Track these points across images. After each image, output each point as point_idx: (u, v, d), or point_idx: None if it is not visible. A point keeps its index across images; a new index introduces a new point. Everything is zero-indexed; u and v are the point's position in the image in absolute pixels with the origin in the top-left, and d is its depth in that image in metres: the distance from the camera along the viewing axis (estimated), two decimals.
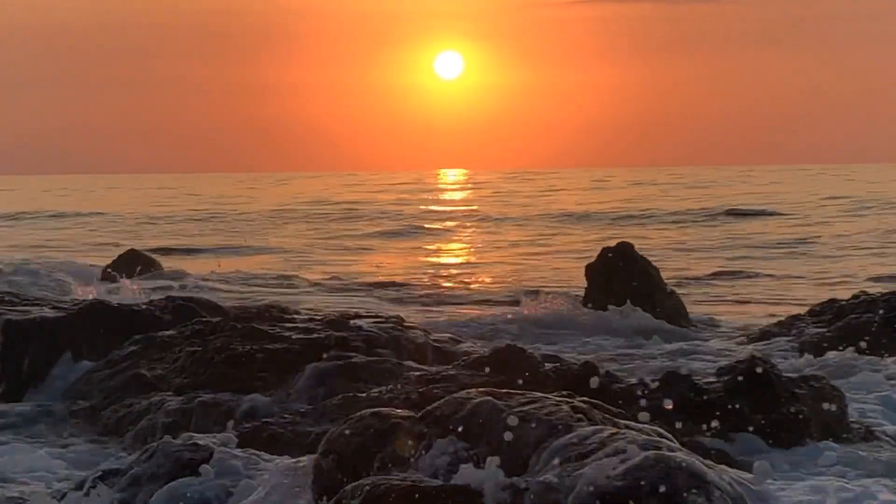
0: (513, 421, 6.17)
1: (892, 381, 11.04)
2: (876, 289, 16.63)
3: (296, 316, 11.85)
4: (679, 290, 18.35)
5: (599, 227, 43.87)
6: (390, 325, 11.43)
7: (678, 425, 8.08)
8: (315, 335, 10.76)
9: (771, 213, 46.68)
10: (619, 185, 77.04)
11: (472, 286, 24.54)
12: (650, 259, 17.74)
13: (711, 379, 9.01)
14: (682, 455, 5.84)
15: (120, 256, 24.57)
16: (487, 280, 25.92)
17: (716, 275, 25.79)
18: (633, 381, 9.05)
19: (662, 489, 5.54)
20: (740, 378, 8.68)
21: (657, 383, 8.74)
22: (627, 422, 6.60)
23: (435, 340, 11.62)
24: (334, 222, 48.76)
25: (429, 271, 28.85)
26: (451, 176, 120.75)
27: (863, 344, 12.78)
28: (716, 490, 5.70)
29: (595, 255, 17.55)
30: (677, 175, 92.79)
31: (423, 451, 6.26)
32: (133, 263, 23.90)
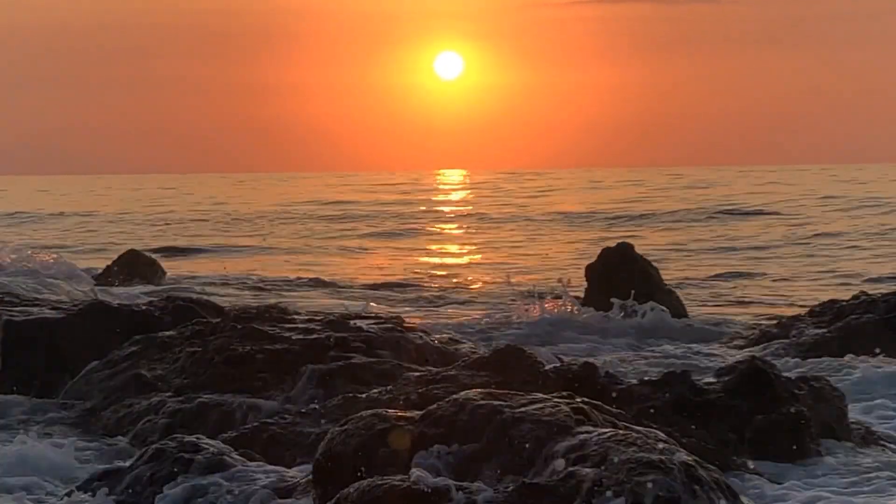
0: (513, 422, 6.17)
1: (893, 382, 11.04)
2: (876, 289, 16.62)
3: (296, 316, 11.84)
4: (679, 291, 18.35)
5: (599, 227, 43.87)
6: (390, 325, 11.43)
7: (678, 426, 8.09)
8: (315, 336, 10.75)
9: (770, 213, 46.68)
10: (618, 185, 77.03)
11: (471, 286, 24.54)
12: (650, 259, 17.75)
13: (711, 379, 9.01)
14: (682, 457, 5.84)
15: (120, 257, 24.56)
16: (487, 280, 25.92)
17: (716, 275, 25.79)
18: (633, 381, 9.05)
19: (662, 491, 5.54)
20: (740, 378, 8.68)
21: (657, 384, 8.74)
22: (627, 423, 6.61)
23: (435, 341, 11.61)
24: (334, 223, 48.73)
25: (428, 272, 28.85)
26: (451, 176, 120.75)
27: (863, 344, 12.79)
28: (715, 492, 5.71)
29: (595, 255, 17.57)
30: (677, 175, 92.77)
31: (423, 452, 6.26)
32: (133, 264, 23.90)
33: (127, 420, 10.09)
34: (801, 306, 18.03)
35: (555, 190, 73.67)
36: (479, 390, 6.63)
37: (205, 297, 14.29)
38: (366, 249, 36.85)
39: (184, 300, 12.86)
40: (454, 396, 6.54)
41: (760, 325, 16.04)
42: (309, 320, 11.54)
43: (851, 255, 30.73)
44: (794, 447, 8.31)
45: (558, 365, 9.24)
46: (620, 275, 16.83)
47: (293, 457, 8.13)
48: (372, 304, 20.68)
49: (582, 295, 17.47)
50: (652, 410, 8.29)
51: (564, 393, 6.68)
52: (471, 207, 57.90)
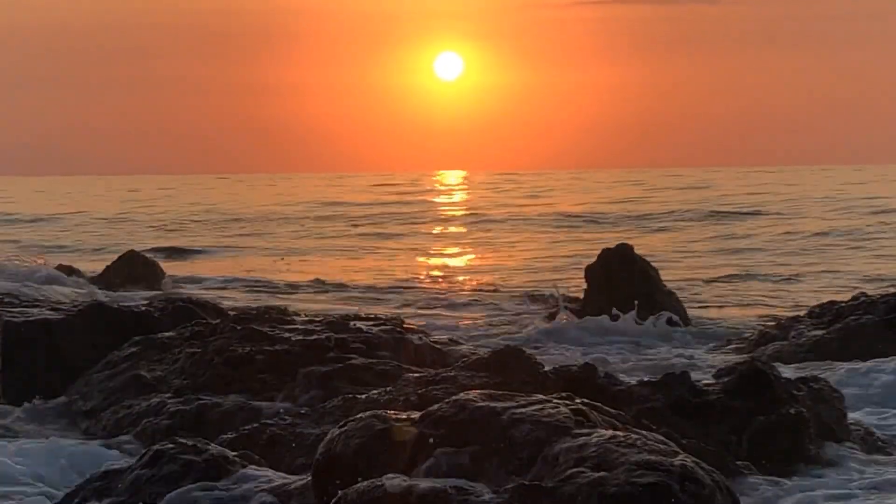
0: (512, 423, 6.17)
1: (892, 383, 11.04)
2: (875, 290, 16.64)
3: (295, 318, 11.85)
4: (678, 292, 18.36)
5: (598, 228, 43.88)
6: (389, 326, 11.44)
7: (677, 427, 8.10)
8: (314, 337, 10.76)
9: (770, 214, 46.69)
10: (618, 186, 77.03)
11: (471, 287, 24.55)
12: (649, 260, 17.76)
13: (710, 380, 9.02)
14: (681, 458, 5.85)
15: (119, 258, 24.58)
16: (486, 281, 25.93)
17: (715, 276, 25.80)
18: (633, 382, 9.06)
19: (662, 493, 5.54)
20: (739, 379, 8.68)
21: (656, 385, 8.75)
22: (627, 424, 6.61)
23: (434, 342, 11.63)
24: (332, 223, 48.74)
25: (428, 273, 28.87)
26: (451, 177, 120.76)
27: (862, 345, 12.80)
28: (714, 493, 5.71)
29: (594, 256, 17.58)
30: (677, 176, 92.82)
31: (423, 453, 6.27)
32: (132, 265, 23.90)
33: (126, 421, 10.10)
34: (800, 307, 18.04)
35: (554, 191, 73.69)
36: (479, 391, 6.63)
37: (204, 299, 14.30)
38: (365, 250, 36.85)
39: (183, 301, 12.87)
40: (454, 397, 6.54)
41: (760, 326, 16.05)
42: (308, 321, 11.55)
43: (851, 255, 30.73)
44: (794, 448, 8.32)
45: (558, 366, 9.26)
46: (620, 276, 16.85)
47: (293, 458, 8.13)
48: (371, 305, 20.71)
49: (581, 296, 17.49)
50: (651, 411, 8.30)
51: (564, 394, 6.68)
52: (470, 209, 57.89)
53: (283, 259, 32.99)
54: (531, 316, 18.16)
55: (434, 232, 44.92)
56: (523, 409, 6.32)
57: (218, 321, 11.52)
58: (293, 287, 24.60)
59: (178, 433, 8.41)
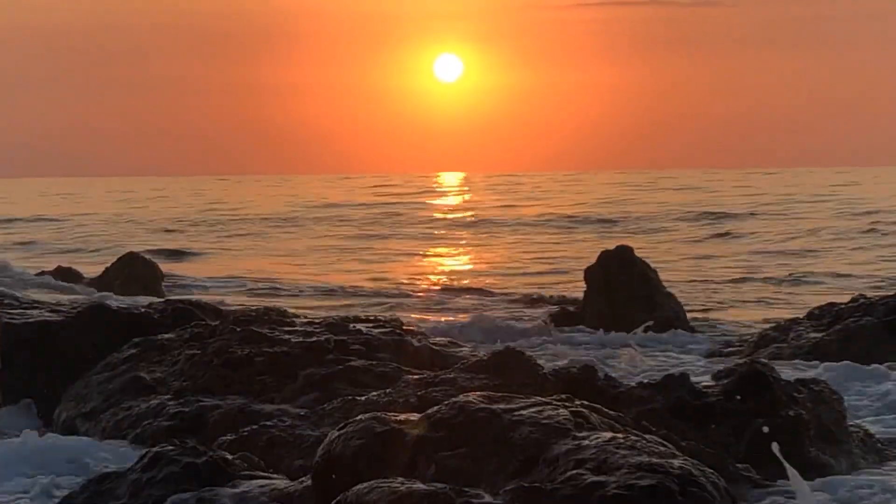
0: (512, 425, 6.17)
1: (892, 385, 11.04)
2: (875, 292, 16.64)
3: (295, 319, 11.84)
4: (677, 293, 18.36)
5: (598, 230, 43.88)
6: (389, 328, 11.44)
7: (677, 429, 8.09)
8: (314, 338, 10.75)
9: (770, 215, 46.70)
10: (617, 187, 77.04)
11: (470, 289, 24.55)
12: (648, 262, 17.75)
13: (710, 382, 9.01)
14: (681, 460, 5.84)
15: (118, 259, 24.57)
16: (486, 283, 25.93)
17: (715, 277, 25.81)
18: (632, 384, 9.05)
19: (661, 495, 5.54)
20: (739, 381, 8.68)
21: (656, 386, 8.75)
22: (626, 426, 6.61)
23: (434, 344, 11.62)
24: (332, 225, 48.76)
25: (427, 274, 28.87)
26: (451, 178, 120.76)
27: (862, 347, 12.80)
28: (714, 495, 5.71)
29: (594, 258, 17.57)
30: (676, 177, 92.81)
31: (423, 455, 6.26)
32: (132, 266, 23.89)
33: (126, 423, 10.09)
34: (799, 309, 18.04)
35: (554, 192, 73.69)
36: (478, 393, 6.63)
37: (204, 300, 14.29)
38: (364, 252, 36.85)
39: (182, 302, 12.87)
40: (453, 399, 6.54)
41: (759, 327, 16.06)
42: (308, 323, 11.54)
43: (850, 257, 30.74)
44: (793, 450, 8.31)
45: (557, 368, 9.25)
46: (619, 278, 16.84)
47: (292, 460, 8.13)
48: (371, 306, 20.70)
49: (581, 297, 17.48)
50: (651, 413, 8.29)
51: (563, 396, 6.68)
52: (470, 210, 57.90)
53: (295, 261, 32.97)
54: (531, 317, 18.17)
55: (433, 234, 44.92)
56: (523, 412, 6.32)
57: (217, 323, 11.51)
58: (292, 288, 24.61)
59: (177, 435, 8.41)
